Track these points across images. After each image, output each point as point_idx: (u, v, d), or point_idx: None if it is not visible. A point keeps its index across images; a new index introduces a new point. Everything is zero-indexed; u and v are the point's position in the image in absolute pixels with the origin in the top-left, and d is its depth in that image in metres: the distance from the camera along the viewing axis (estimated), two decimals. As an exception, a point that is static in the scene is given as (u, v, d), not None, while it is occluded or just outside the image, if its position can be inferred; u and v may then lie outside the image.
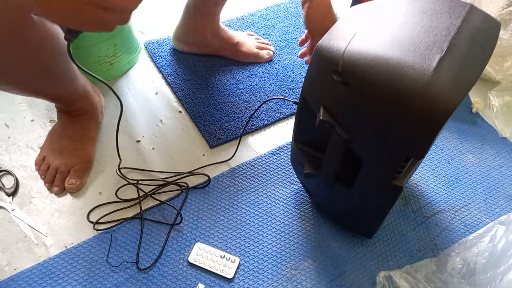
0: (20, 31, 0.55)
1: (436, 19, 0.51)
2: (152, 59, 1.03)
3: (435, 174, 0.86)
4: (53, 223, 0.74)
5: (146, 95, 0.95)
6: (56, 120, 0.83)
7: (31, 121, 0.88)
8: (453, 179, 0.85)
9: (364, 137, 0.52)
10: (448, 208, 0.81)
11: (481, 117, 0.98)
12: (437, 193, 0.83)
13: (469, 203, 0.82)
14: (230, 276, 0.69)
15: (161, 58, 1.03)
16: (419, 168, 0.86)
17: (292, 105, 0.95)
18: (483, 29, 0.52)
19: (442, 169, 0.87)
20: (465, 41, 0.49)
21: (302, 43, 0.90)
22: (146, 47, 1.05)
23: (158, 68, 1.01)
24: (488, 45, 0.52)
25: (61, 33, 0.63)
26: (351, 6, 0.93)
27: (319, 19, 0.82)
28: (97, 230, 0.73)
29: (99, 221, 0.74)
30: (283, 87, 0.99)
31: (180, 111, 0.93)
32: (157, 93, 0.96)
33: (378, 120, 0.49)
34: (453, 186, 0.84)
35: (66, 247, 0.71)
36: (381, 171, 0.54)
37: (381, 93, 0.47)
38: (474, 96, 1.00)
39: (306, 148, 0.66)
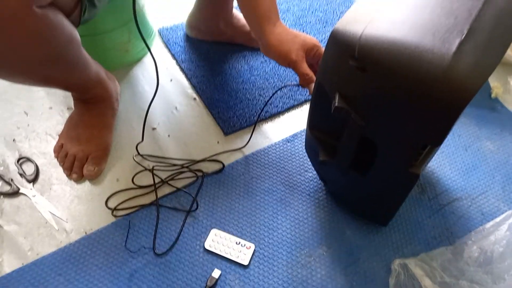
0: (24, 24, 0.55)
1: (457, 1, 0.50)
2: (166, 45, 1.03)
3: (452, 161, 0.85)
4: (73, 209, 0.76)
5: (160, 82, 0.95)
6: (73, 107, 0.84)
7: (50, 108, 0.90)
8: (470, 167, 0.84)
9: (381, 124, 0.52)
10: (465, 196, 0.80)
11: (500, 102, 0.95)
12: (454, 181, 0.82)
13: (487, 191, 0.80)
14: (246, 263, 0.70)
15: (175, 44, 1.03)
16: (435, 155, 0.85)
17: (307, 91, 0.94)
18: (506, 11, 0.50)
19: (459, 156, 0.86)
20: (487, 24, 0.47)
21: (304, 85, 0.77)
22: (160, 33, 1.05)
23: (172, 55, 1.01)
24: (511, 27, 0.50)
25: (66, 24, 0.63)
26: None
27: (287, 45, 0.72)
28: (115, 216, 0.75)
29: (117, 207, 0.76)
30: (298, 74, 0.98)
31: (194, 98, 0.93)
32: (171, 80, 0.96)
33: (395, 106, 0.48)
34: (470, 174, 0.83)
35: (86, 232, 0.73)
36: (397, 158, 0.54)
37: (399, 79, 0.46)
38: (494, 81, 0.98)
39: (321, 135, 0.66)
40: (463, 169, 0.84)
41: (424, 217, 0.77)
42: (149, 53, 1.00)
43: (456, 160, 0.85)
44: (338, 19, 1.11)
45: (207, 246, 0.71)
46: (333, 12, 1.13)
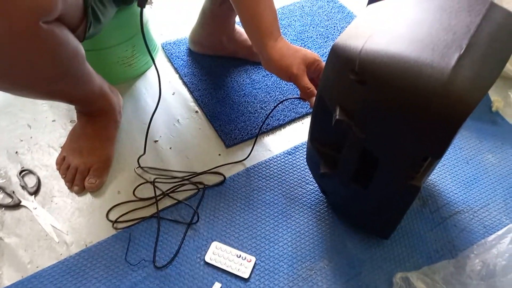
0: (30, 39, 0.56)
1: (455, 16, 0.51)
2: (169, 59, 1.04)
3: (454, 174, 0.85)
4: (74, 221, 0.76)
5: (163, 95, 0.96)
6: (76, 120, 0.85)
7: (53, 121, 0.91)
8: (472, 179, 0.84)
9: (381, 137, 0.52)
10: (467, 209, 0.79)
11: (501, 116, 0.96)
12: (456, 194, 0.82)
13: (489, 204, 0.80)
14: (246, 276, 0.70)
15: (178, 58, 1.04)
16: (437, 167, 0.85)
17: (308, 105, 0.95)
18: (504, 27, 0.51)
19: (460, 169, 0.86)
20: (485, 39, 0.48)
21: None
22: (163, 48, 1.06)
23: (175, 69, 1.02)
24: (509, 42, 0.51)
25: (72, 39, 0.65)
26: (367, 4, 0.92)
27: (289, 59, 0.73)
28: (116, 228, 0.75)
29: (118, 220, 0.75)
30: (299, 87, 0.99)
31: (196, 111, 0.94)
32: (174, 93, 0.97)
33: (395, 119, 0.49)
34: (472, 187, 0.83)
35: (86, 245, 0.73)
36: (398, 171, 0.54)
37: (398, 92, 0.47)
38: (494, 95, 0.98)
39: (322, 147, 0.66)
40: (465, 182, 0.84)
41: (426, 230, 0.76)
42: (152, 67, 1.02)
43: (458, 173, 0.85)
44: (338, 34, 1.13)
45: (207, 259, 0.71)
46: (334, 27, 1.15)
